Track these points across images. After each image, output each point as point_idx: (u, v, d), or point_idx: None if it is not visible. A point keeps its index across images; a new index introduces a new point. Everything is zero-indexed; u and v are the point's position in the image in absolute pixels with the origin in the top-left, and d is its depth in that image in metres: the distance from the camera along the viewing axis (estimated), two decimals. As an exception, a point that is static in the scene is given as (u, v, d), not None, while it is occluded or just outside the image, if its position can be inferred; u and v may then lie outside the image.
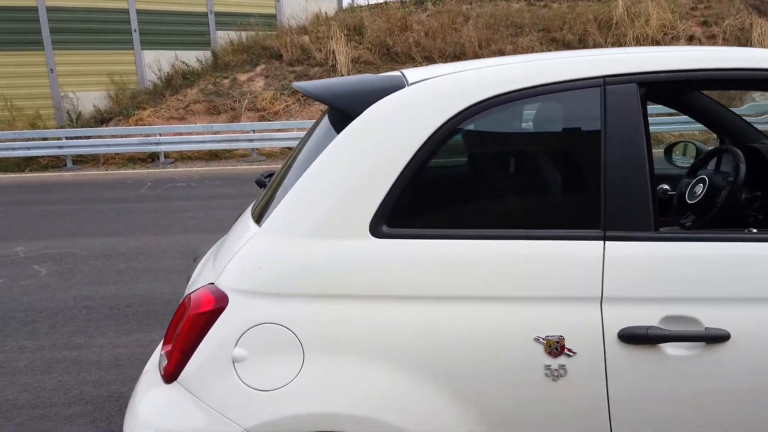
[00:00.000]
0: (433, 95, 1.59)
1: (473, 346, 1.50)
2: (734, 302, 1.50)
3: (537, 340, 1.49)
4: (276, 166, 12.38)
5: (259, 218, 1.72)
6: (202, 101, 14.50)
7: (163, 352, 1.67)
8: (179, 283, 5.11)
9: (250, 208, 2.09)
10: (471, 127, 1.61)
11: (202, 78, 15.24)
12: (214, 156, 13.44)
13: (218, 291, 1.58)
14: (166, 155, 13.14)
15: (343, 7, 19.20)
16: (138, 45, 15.53)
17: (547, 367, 1.49)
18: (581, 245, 1.52)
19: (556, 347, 1.49)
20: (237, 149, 13.34)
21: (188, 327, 1.56)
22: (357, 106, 1.61)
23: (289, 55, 15.45)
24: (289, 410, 1.50)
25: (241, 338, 1.53)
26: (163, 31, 15.79)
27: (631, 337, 1.49)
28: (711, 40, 15.30)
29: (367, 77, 1.74)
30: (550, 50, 14.55)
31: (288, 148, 13.39)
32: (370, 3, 18.19)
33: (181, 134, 13.16)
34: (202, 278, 1.76)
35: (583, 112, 1.59)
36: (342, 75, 14.86)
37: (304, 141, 1.99)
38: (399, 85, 1.64)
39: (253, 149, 13.14)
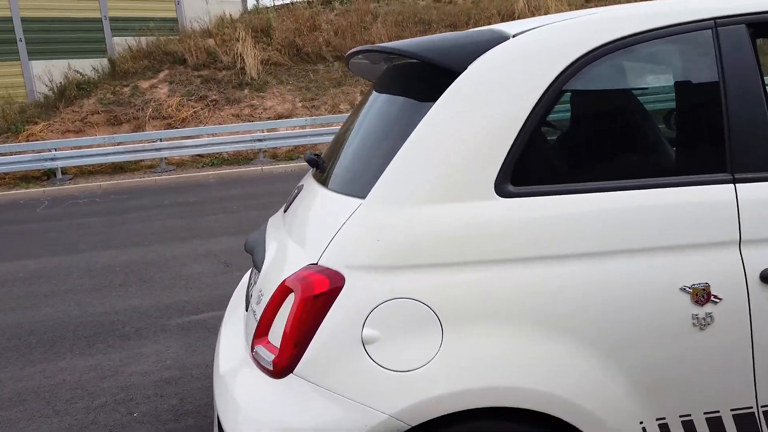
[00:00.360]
0: (545, 45, 1.53)
1: (617, 301, 1.45)
2: None
3: (683, 289, 1.46)
4: (188, 175, 11.79)
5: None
6: (101, 111, 13.60)
7: (260, 346, 1.53)
8: (88, 303, 4.64)
9: (310, 181, 1.94)
10: (587, 76, 1.56)
11: (99, 87, 14.29)
12: (118, 169, 12.64)
13: (328, 270, 1.45)
14: (64, 171, 12.18)
15: (248, 9, 18.65)
16: (25, 55, 14.51)
17: (695, 316, 1.46)
18: (713, 189, 1.50)
19: (702, 295, 1.46)
20: (143, 160, 12.60)
21: (301, 313, 1.43)
22: (462, 61, 1.53)
23: (194, 60, 14.80)
24: (438, 389, 1.38)
25: (369, 317, 1.41)
26: (53, 39, 14.84)
27: None
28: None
29: (461, 33, 1.66)
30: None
31: (199, 155, 12.77)
32: (276, 4, 17.80)
33: (79, 148, 12.28)
34: (283, 262, 1.62)
35: (698, 56, 1.58)
36: (252, 78, 14.41)
37: (358, 109, 1.91)
38: (502, 37, 1.57)
39: (161, 159, 12.44)
